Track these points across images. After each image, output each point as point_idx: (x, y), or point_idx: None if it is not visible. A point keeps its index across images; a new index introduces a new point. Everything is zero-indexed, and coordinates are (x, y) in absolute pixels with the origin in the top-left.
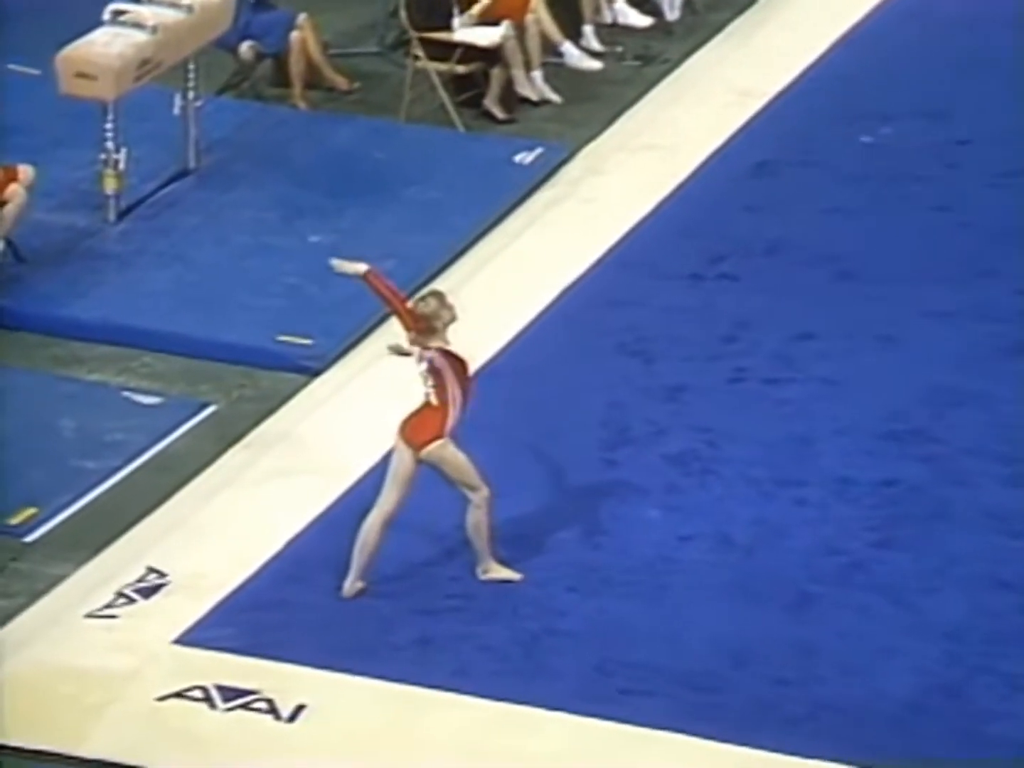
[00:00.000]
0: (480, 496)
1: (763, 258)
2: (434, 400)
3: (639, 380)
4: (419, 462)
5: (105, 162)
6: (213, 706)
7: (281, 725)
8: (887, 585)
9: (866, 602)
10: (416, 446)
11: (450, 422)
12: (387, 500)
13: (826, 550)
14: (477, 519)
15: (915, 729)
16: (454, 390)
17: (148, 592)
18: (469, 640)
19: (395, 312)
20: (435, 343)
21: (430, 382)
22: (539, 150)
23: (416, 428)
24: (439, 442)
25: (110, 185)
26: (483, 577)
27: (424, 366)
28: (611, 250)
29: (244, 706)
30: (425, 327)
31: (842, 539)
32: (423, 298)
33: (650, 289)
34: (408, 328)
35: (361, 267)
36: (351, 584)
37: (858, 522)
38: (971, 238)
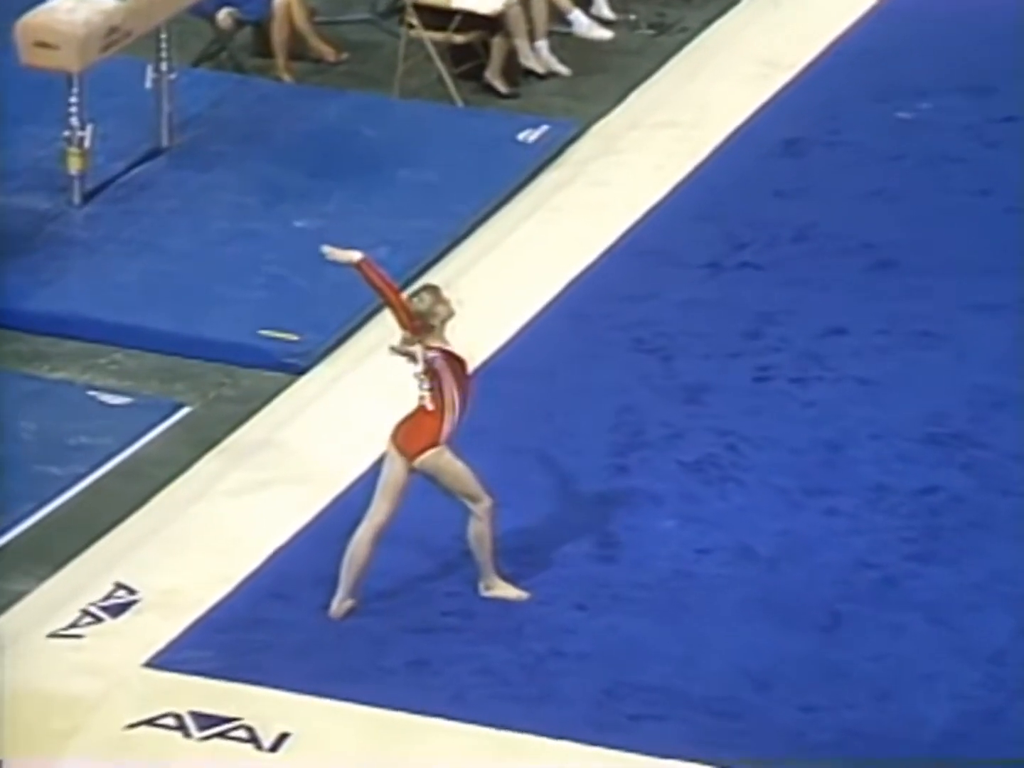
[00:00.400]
0: (482, 507)
1: (790, 246)
2: (429, 404)
3: (654, 380)
4: (412, 471)
5: (69, 139)
6: (187, 734)
7: (262, 755)
8: (925, 603)
9: (902, 621)
10: (409, 454)
11: (447, 428)
12: (378, 512)
13: (858, 565)
14: (479, 531)
15: (954, 759)
16: (452, 393)
17: (117, 610)
18: (468, 662)
19: (390, 306)
20: (434, 342)
21: (426, 385)
22: (545, 127)
23: (410, 435)
24: (434, 450)
25: (75, 165)
26: (485, 594)
27: (421, 367)
28: (624, 237)
29: (221, 734)
30: (421, 325)
31: (876, 553)
32: (416, 293)
33: (666, 280)
34: (403, 326)
35: (355, 255)
36: (339, 603)
37: (894, 534)
38: (1017, 224)
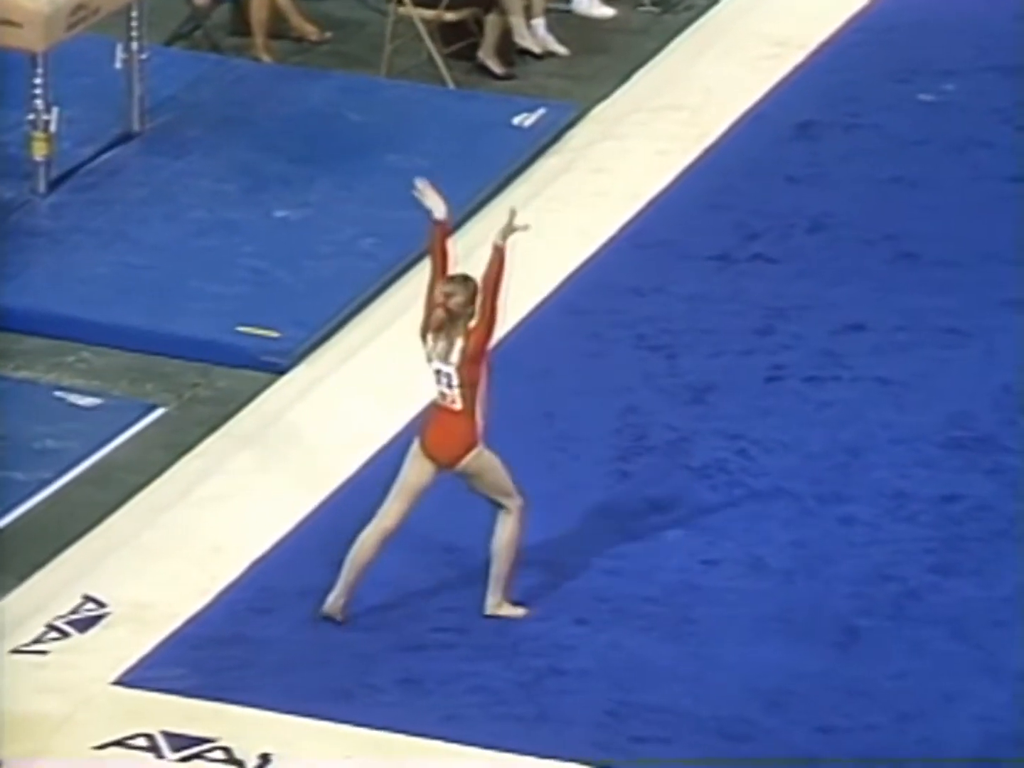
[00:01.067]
0: (516, 504)
1: (805, 236)
2: (458, 403)
3: (659, 379)
4: (452, 474)
5: (34, 123)
6: (160, 755)
7: None
8: (948, 618)
9: (924, 637)
10: (448, 462)
11: (482, 424)
12: (389, 514)
13: (877, 577)
14: (510, 534)
15: None
16: (484, 389)
17: (84, 624)
18: (462, 680)
19: (430, 287)
20: (466, 334)
21: (455, 381)
22: (542, 111)
23: (443, 443)
24: (475, 451)
25: (39, 150)
26: (489, 612)
27: (454, 363)
28: (626, 227)
29: (197, 755)
30: (456, 317)
31: (896, 564)
32: (452, 290)
33: (673, 273)
34: (435, 315)
35: (442, 209)
36: (334, 599)
37: (915, 544)
38: None
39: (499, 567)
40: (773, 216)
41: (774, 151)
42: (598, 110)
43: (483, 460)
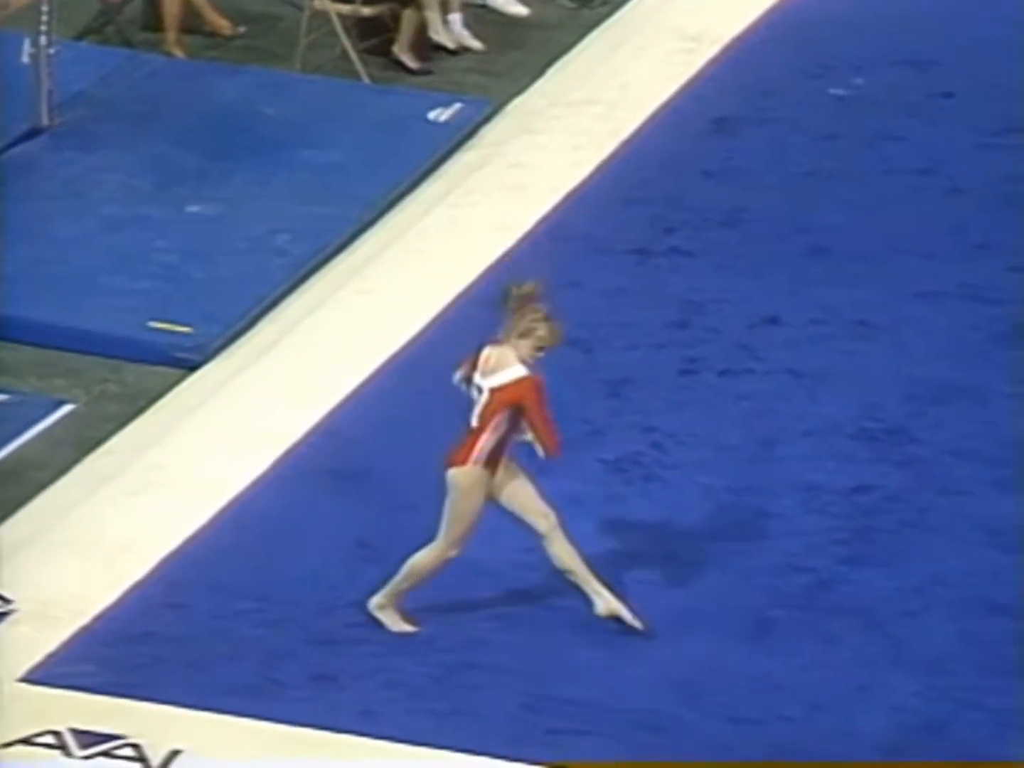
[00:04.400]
0: (445, 549)
1: (721, 230)
2: (474, 422)
3: (575, 373)
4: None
5: None
6: (68, 754)
7: None
8: (860, 609)
9: (835, 629)
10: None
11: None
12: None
13: (789, 569)
14: (430, 563)
15: None
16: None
17: None
18: (376, 676)
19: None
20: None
21: (482, 400)
22: (458, 105)
23: (452, 449)
24: (457, 468)
25: None
26: (371, 608)
27: (491, 386)
28: (543, 222)
29: (105, 753)
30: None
31: (808, 556)
32: (527, 308)
33: (589, 267)
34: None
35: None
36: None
37: (826, 536)
38: (960, 206)
39: (401, 583)
40: (689, 210)
41: (690, 146)
42: (514, 105)
43: (459, 483)
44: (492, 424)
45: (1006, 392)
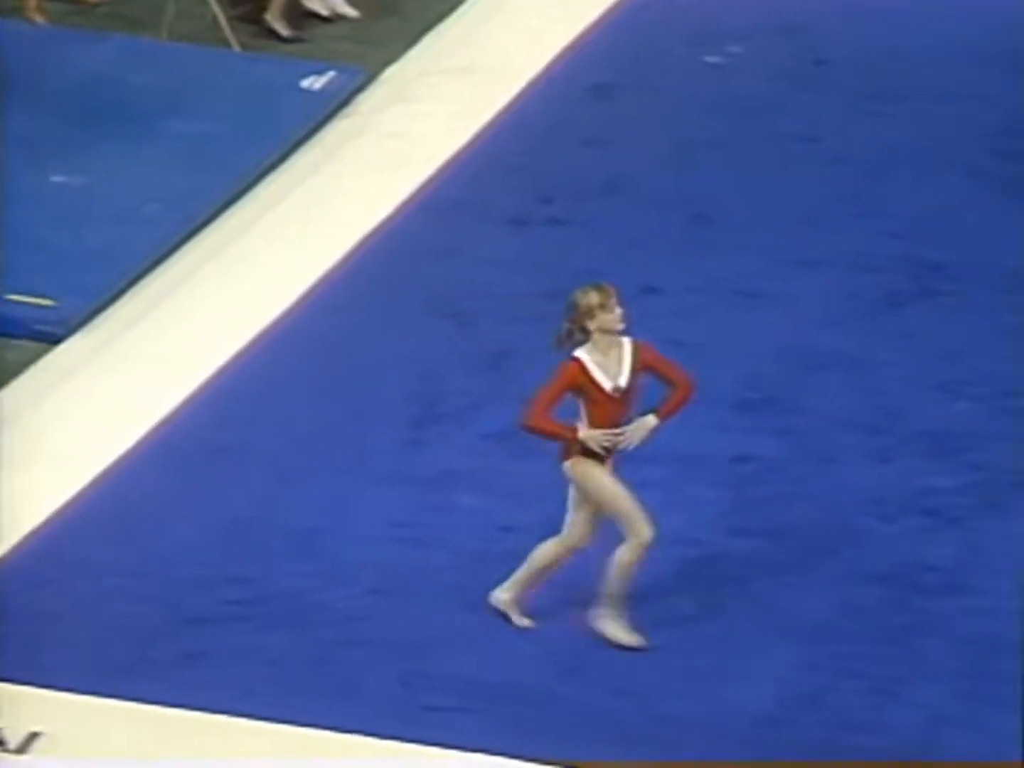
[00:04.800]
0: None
1: (601, 199)
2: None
3: (454, 345)
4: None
5: None
6: None
7: (8, 757)
8: (739, 579)
9: (715, 599)
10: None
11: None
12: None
13: (669, 540)
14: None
15: (769, 743)
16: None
17: None
18: (252, 654)
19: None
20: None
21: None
22: (331, 74)
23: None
24: (567, 463)
25: None
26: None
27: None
28: (420, 191)
29: None
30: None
31: (688, 527)
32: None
33: (467, 237)
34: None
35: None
36: (500, 591)
37: (707, 506)
38: (840, 174)
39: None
40: (568, 179)
41: (568, 114)
42: (389, 73)
43: (573, 474)
44: (582, 416)
45: (884, 360)
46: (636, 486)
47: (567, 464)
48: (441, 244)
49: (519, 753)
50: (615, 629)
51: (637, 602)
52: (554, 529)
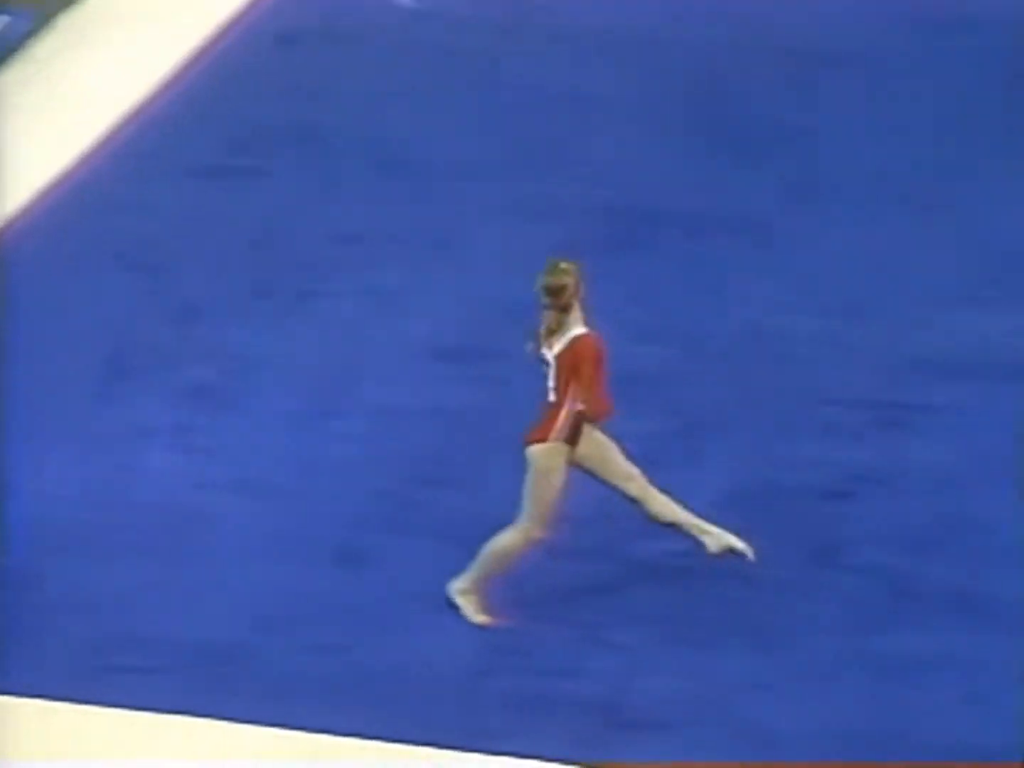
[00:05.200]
0: (529, 529)
1: (294, 148)
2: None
3: (143, 299)
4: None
5: None
6: None
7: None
8: (443, 532)
9: (420, 552)
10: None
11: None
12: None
13: (370, 493)
14: (510, 545)
15: (478, 698)
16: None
17: None
18: None
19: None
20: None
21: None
22: (5, 19)
23: (533, 427)
24: (539, 446)
25: None
26: (451, 594)
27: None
28: (103, 143)
29: None
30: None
31: (387, 479)
32: (557, 269)
33: (154, 188)
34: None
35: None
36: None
37: (407, 458)
38: (530, 119)
39: (482, 569)
40: (260, 128)
41: (256, 61)
42: (64, 19)
43: (539, 461)
44: (570, 396)
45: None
46: (335, 439)
47: (543, 447)
48: (126, 196)
49: (213, 713)
50: (467, 604)
51: (338, 556)
52: (251, 484)
